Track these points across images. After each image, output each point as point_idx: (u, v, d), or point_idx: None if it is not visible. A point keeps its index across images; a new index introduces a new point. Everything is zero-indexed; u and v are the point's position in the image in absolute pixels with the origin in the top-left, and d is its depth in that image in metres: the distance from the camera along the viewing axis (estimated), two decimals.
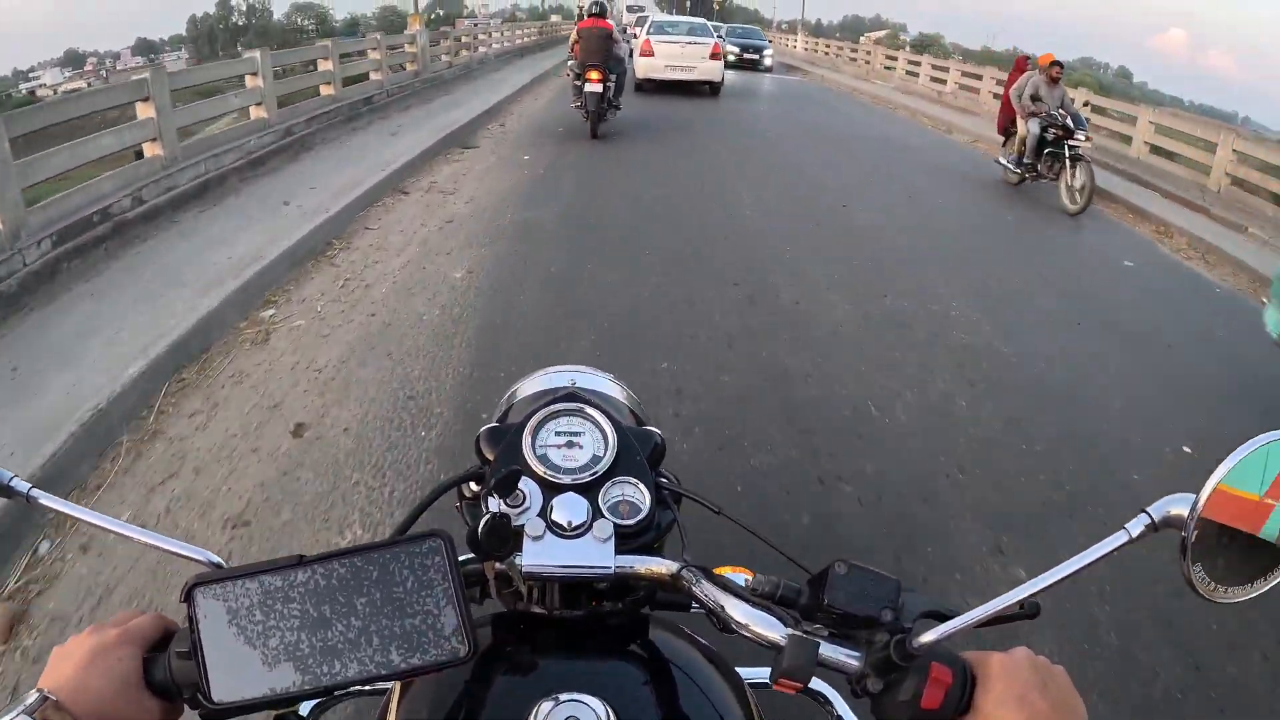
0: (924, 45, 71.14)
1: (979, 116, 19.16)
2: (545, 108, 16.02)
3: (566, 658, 0.95)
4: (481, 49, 22.63)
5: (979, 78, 21.13)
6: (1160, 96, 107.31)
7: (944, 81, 22.96)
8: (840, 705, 1.20)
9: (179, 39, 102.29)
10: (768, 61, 30.31)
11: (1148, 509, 0.74)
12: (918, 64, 25.97)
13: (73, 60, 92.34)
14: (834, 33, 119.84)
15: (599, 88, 11.82)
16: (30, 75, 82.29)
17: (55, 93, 64.56)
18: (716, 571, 0.92)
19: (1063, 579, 0.75)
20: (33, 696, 0.71)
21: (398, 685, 0.92)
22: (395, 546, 0.75)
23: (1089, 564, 0.75)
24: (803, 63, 35.76)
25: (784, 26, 56.74)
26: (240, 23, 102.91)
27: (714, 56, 19.03)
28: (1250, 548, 0.76)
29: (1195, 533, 0.72)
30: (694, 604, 0.93)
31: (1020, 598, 0.75)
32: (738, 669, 1.03)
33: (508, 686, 0.90)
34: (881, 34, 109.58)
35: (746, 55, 30.05)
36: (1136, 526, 0.75)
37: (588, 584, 0.96)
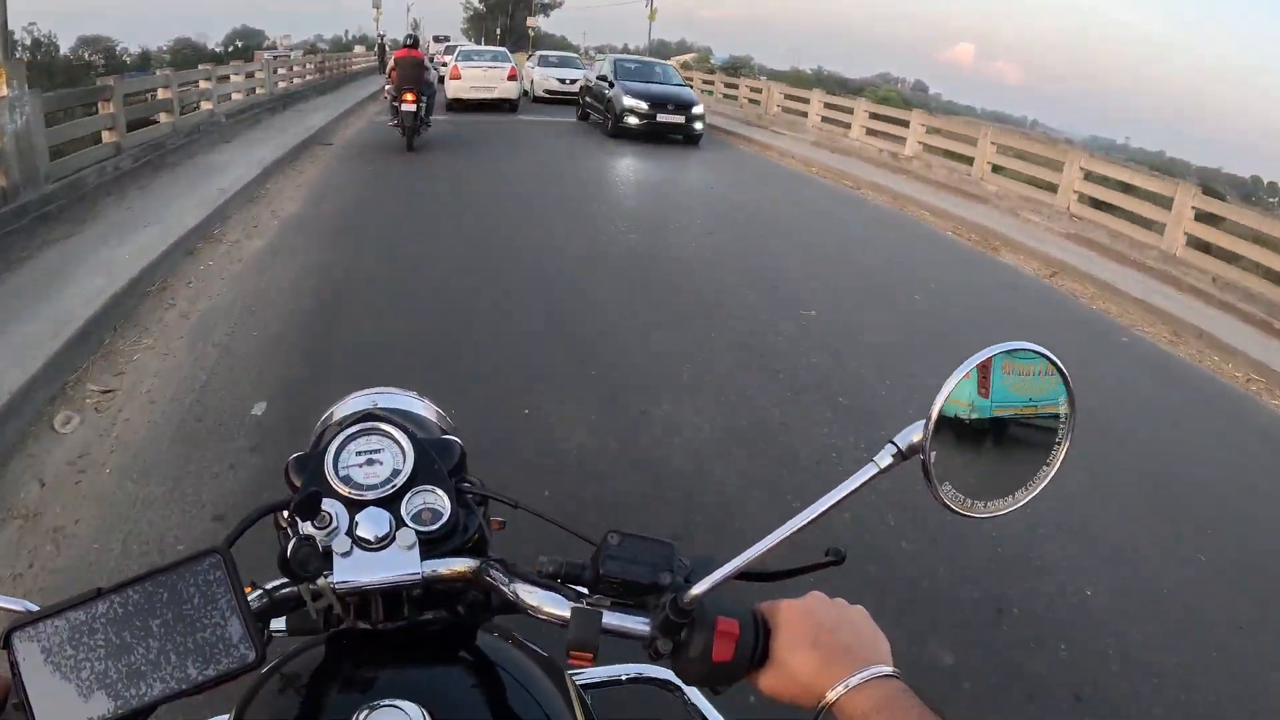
0: (735, 68, 63.36)
1: (993, 209, 12.05)
2: (271, 259, 7.04)
3: (389, 667, 0.90)
4: (207, 104, 13.47)
5: (970, 141, 13.61)
6: (955, 107, 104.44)
7: (901, 140, 15.19)
8: (692, 692, 1.16)
9: None
10: (698, 126, 17.33)
11: (893, 439, 0.74)
12: (847, 111, 17.79)
13: None
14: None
15: (413, 107, 12.96)
16: None
17: None
18: (503, 561, 0.90)
19: (818, 516, 0.74)
20: None
21: (234, 708, 0.89)
22: (179, 568, 0.73)
23: (842, 498, 0.74)
24: None
25: (593, 54, 48.45)
26: (23, 58, 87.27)
27: (510, 78, 21.14)
28: (999, 461, 0.77)
29: (934, 454, 0.71)
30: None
31: (777, 540, 0.74)
32: (581, 670, 0.98)
33: (331, 699, 0.87)
34: (689, 57, 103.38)
35: (665, 117, 16.90)
36: (884, 457, 0.74)
37: (408, 594, 0.91)
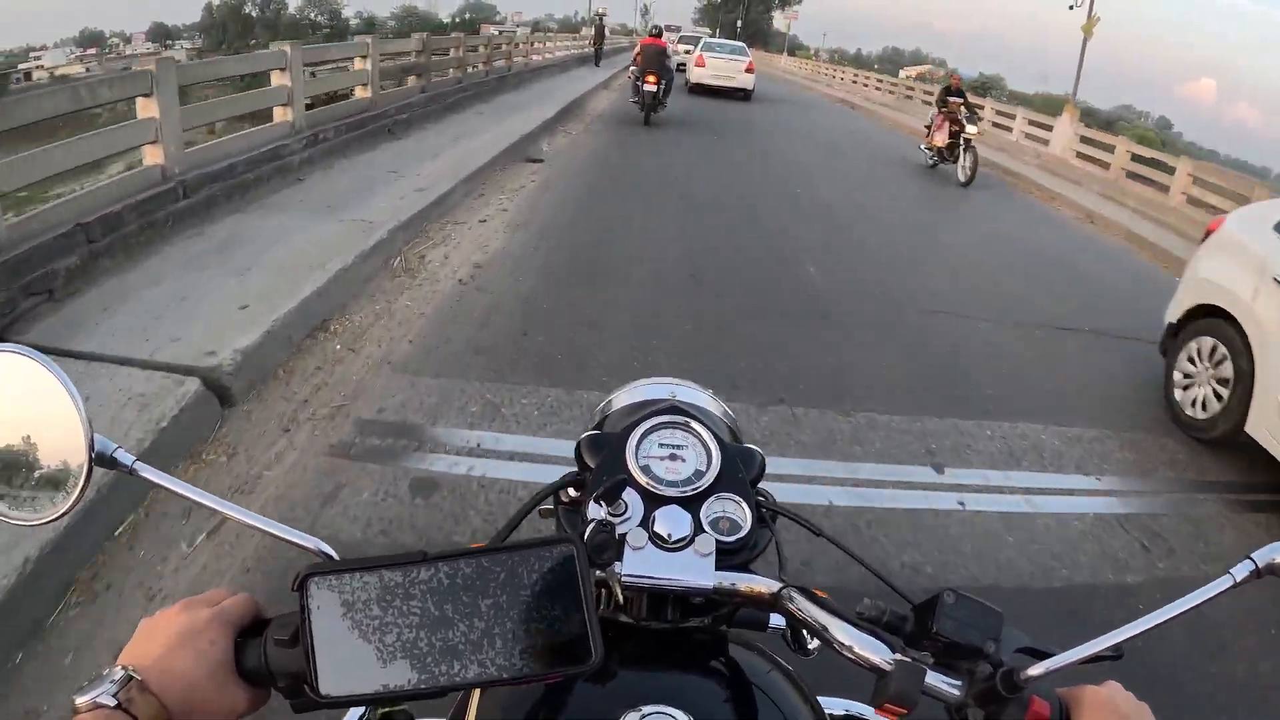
0: (985, 87, 57.51)
1: None
2: None
3: (650, 669, 0.91)
4: None
5: None
6: (1198, 150, 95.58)
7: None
8: None
9: (196, 27, 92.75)
10: None
11: (1252, 555, 0.73)
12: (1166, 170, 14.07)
13: (89, 40, 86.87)
14: (872, 64, 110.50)
15: (654, 87, 15.41)
16: (33, 55, 73.39)
17: (51, 75, 59.13)
18: (808, 589, 0.90)
19: (1163, 623, 0.74)
20: (119, 674, 0.68)
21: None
22: (525, 549, 0.70)
23: (1191, 608, 0.74)
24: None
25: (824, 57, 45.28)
26: (253, 14, 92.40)
27: (748, 71, 24.10)
28: None
29: None
30: (774, 626, 1.01)
31: (1122, 639, 0.74)
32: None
33: (591, 693, 0.85)
34: (924, 69, 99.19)
35: None
36: (1241, 571, 0.73)
37: (679, 597, 0.93)
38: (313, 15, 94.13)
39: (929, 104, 17.99)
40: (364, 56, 10.59)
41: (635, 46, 17.95)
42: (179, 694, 0.68)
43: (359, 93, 10.49)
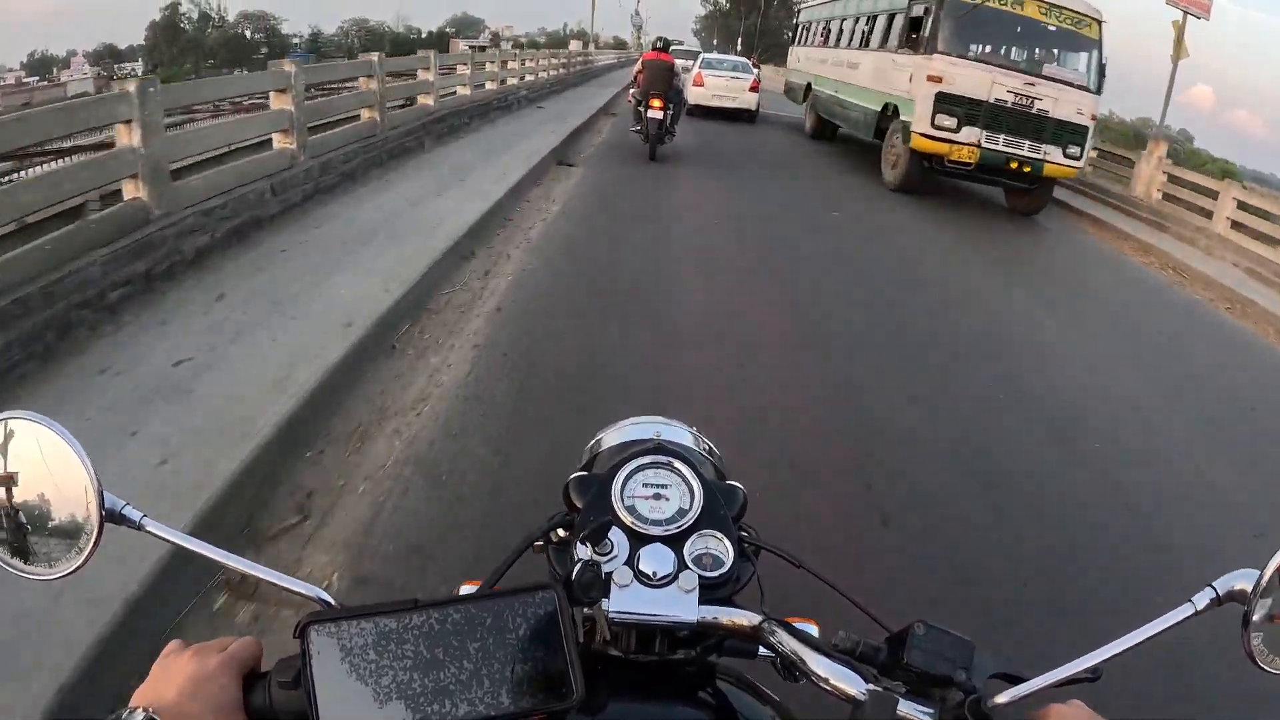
0: None
1: None
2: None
3: (638, 700, 0.96)
4: None
5: None
6: (1214, 159, 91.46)
7: None
8: None
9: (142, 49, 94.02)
10: None
11: (1213, 584, 0.77)
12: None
13: (37, 66, 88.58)
14: None
15: (660, 114, 13.47)
16: None
17: None
18: (787, 621, 0.96)
19: (1128, 649, 0.78)
20: (139, 715, 0.73)
21: None
22: (510, 596, 0.76)
23: (1155, 635, 0.78)
24: None
25: None
26: (190, 31, 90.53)
27: (752, 89, 23.34)
28: None
29: (1258, 607, 0.74)
30: (764, 654, 1.01)
31: (1088, 665, 0.79)
32: None
33: None
34: None
35: None
36: (1202, 600, 0.77)
37: (666, 631, 0.97)
38: (246, 33, 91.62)
39: None
40: None
41: (637, 64, 15.08)
42: None
43: None
